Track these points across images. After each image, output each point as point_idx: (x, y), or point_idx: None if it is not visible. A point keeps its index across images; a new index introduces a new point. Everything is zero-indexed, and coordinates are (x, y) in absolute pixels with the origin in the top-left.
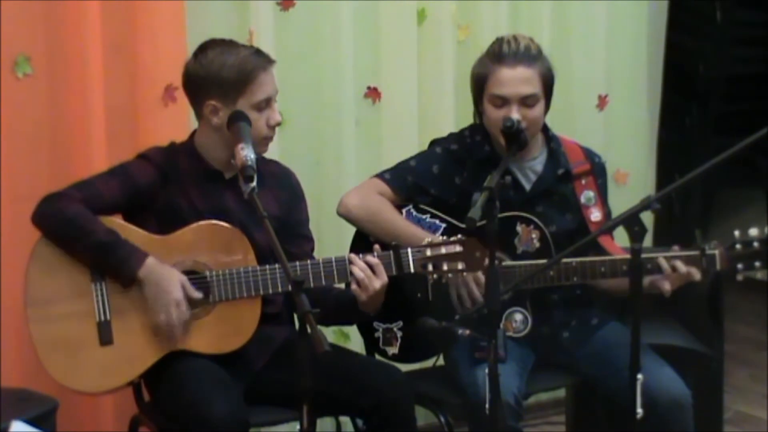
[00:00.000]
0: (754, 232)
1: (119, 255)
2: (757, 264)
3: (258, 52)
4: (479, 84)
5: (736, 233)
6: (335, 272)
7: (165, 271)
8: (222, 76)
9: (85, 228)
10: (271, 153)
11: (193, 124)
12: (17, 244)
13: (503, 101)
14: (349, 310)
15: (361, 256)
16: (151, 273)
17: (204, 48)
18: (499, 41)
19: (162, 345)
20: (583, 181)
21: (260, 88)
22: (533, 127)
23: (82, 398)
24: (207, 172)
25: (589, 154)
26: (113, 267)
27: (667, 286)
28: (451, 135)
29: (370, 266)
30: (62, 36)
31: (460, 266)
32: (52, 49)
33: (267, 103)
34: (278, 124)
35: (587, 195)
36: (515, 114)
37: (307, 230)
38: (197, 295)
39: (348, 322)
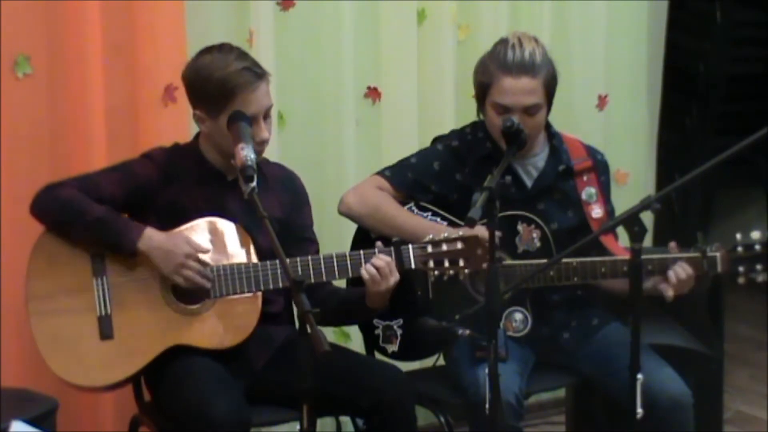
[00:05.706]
0: (756, 235)
1: (117, 227)
2: (759, 267)
3: (248, 68)
4: (482, 89)
5: (738, 236)
6: (349, 266)
7: (166, 235)
8: (206, 90)
9: (81, 208)
10: (271, 153)
11: (194, 124)
12: (17, 244)
13: (505, 109)
14: (355, 309)
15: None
16: (151, 240)
17: (201, 54)
18: (504, 45)
19: (163, 339)
20: (585, 178)
21: (243, 106)
22: (534, 132)
23: (82, 398)
24: (209, 174)
25: (591, 151)
26: (112, 241)
27: (670, 292)
28: (452, 132)
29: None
30: (62, 36)
31: (461, 263)
32: (52, 49)
33: (252, 120)
34: (264, 142)
35: (588, 192)
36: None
37: (311, 233)
38: (206, 246)
39: (354, 321)
